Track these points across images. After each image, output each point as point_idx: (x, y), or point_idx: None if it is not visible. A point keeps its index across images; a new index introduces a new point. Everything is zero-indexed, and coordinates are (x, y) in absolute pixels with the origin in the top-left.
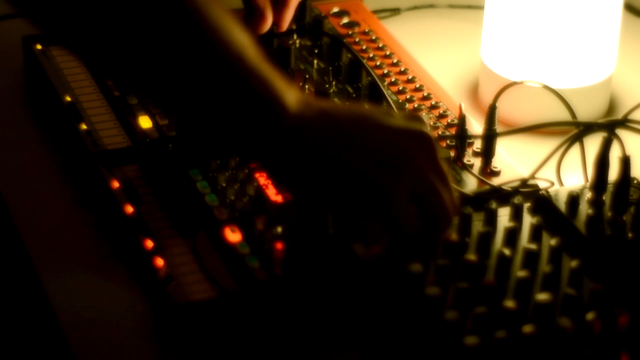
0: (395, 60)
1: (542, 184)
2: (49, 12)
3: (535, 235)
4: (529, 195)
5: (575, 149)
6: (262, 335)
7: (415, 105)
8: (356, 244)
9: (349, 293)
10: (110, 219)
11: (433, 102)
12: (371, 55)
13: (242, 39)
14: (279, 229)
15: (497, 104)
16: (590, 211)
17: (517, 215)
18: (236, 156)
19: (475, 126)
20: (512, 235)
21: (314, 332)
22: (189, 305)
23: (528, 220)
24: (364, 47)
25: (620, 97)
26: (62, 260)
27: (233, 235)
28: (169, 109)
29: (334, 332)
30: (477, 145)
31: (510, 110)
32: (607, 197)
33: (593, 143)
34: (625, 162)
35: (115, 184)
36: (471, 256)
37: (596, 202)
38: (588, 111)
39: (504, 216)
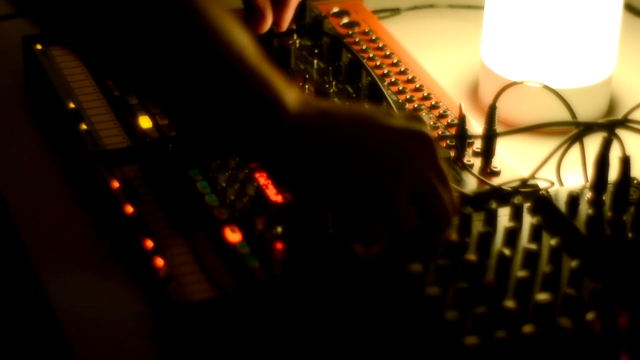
0: (395, 60)
1: (542, 184)
2: (49, 12)
3: (535, 235)
4: (529, 195)
5: (575, 149)
6: (262, 335)
7: (415, 105)
8: (356, 244)
9: (349, 293)
10: (110, 219)
11: (433, 102)
12: (371, 55)
13: (242, 39)
14: (279, 229)
15: (497, 104)
16: (590, 211)
17: (517, 215)
18: (236, 156)
19: (475, 126)
20: (512, 235)
21: (314, 332)
22: (189, 305)
23: (528, 220)
24: (364, 47)
25: (620, 97)
26: (62, 260)
27: (233, 235)
28: (169, 108)
29: (334, 332)
30: (477, 145)
31: (510, 110)
32: (607, 197)
33: (593, 143)
34: (625, 162)
35: (115, 184)
36: (471, 256)
37: (596, 202)
38: (588, 111)
39: (504, 216)
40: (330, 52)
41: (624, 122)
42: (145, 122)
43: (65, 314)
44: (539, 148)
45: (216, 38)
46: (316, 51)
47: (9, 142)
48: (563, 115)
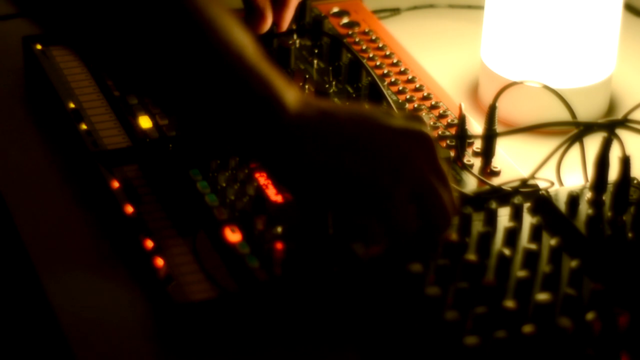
0: (395, 60)
1: (542, 184)
2: (49, 12)
3: (535, 235)
4: (529, 195)
5: (575, 149)
6: (262, 335)
7: (415, 105)
8: (356, 244)
9: (349, 293)
10: (110, 219)
11: (433, 102)
12: (371, 55)
13: (242, 39)
14: (279, 229)
15: (497, 104)
16: (590, 211)
17: (517, 215)
18: (236, 156)
19: (475, 126)
20: (512, 235)
21: (314, 332)
22: (189, 305)
23: (528, 220)
24: (364, 47)
25: (620, 97)
26: (62, 260)
27: (233, 235)
28: (169, 108)
29: (334, 332)
30: (477, 145)
31: (510, 110)
32: (607, 197)
33: (593, 143)
34: (625, 162)
35: (115, 184)
36: (471, 256)
37: (596, 202)
38: (588, 111)
39: (504, 216)
40: (330, 52)
41: (624, 122)
42: (145, 122)
43: (65, 314)
44: (539, 148)
45: (216, 38)
46: (316, 51)
47: (9, 142)
48: (563, 115)
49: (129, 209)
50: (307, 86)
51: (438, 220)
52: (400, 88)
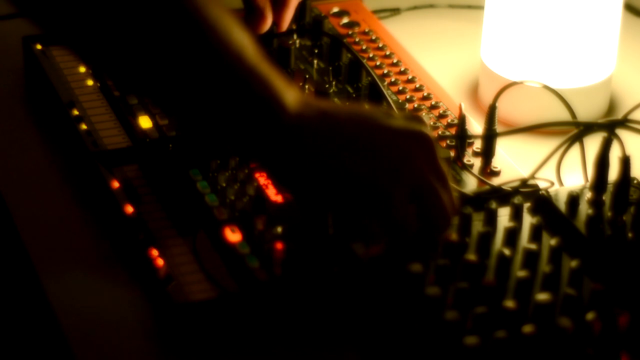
0: (395, 60)
1: (542, 184)
2: (48, 12)
3: (535, 235)
4: (529, 195)
5: (575, 149)
6: (262, 335)
7: (415, 105)
8: (356, 244)
9: (349, 293)
10: (110, 219)
11: (433, 102)
12: (371, 55)
13: (242, 39)
14: (279, 229)
15: (497, 104)
16: (590, 211)
17: (517, 215)
18: (236, 156)
19: (475, 126)
20: (512, 235)
21: (314, 332)
22: (189, 305)
23: (528, 220)
24: (364, 47)
25: (620, 97)
26: (62, 260)
27: (233, 235)
28: (169, 108)
29: (334, 332)
30: (477, 145)
31: (510, 110)
32: (607, 197)
33: (593, 143)
34: (625, 162)
35: (115, 184)
36: (471, 256)
37: (596, 202)
38: (588, 111)
39: (504, 216)
40: (330, 52)
41: (624, 122)
42: (145, 122)
43: (65, 314)
44: (539, 148)
45: (216, 38)
46: (316, 51)
47: (9, 142)
48: (563, 115)
49: (129, 209)
50: (307, 86)
51: (438, 220)
52: (400, 88)
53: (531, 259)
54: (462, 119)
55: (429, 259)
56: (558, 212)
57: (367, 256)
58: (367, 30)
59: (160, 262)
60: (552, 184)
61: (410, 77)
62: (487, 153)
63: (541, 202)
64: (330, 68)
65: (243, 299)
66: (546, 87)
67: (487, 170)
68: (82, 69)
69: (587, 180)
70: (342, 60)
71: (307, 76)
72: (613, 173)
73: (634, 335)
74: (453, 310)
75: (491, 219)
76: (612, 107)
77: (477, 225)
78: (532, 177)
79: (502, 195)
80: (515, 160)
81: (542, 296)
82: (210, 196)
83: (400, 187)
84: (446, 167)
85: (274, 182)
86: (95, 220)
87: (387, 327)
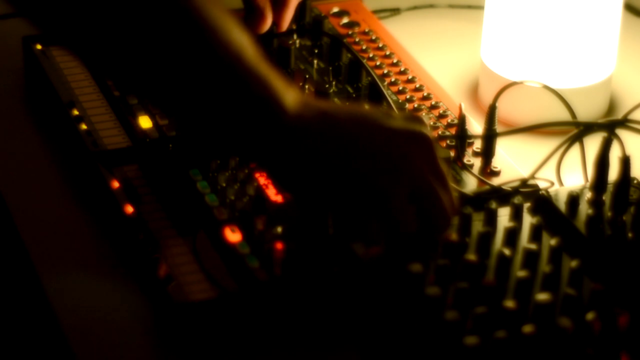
0: (395, 60)
1: (542, 184)
2: (47, 12)
3: (535, 235)
4: (529, 195)
5: (575, 149)
6: (262, 335)
7: (415, 105)
8: (356, 244)
9: (349, 293)
10: (110, 219)
11: (433, 102)
12: (371, 55)
13: (241, 39)
14: (279, 229)
15: (497, 104)
16: (590, 211)
17: (517, 215)
18: (236, 156)
19: (475, 126)
20: (512, 235)
21: (314, 332)
22: (189, 305)
23: (528, 220)
24: (364, 47)
25: (620, 97)
26: (62, 260)
27: (233, 235)
28: (168, 109)
29: (334, 332)
30: (477, 145)
31: (510, 110)
32: (607, 197)
33: (593, 143)
34: (625, 162)
35: (115, 184)
36: (471, 256)
37: (596, 202)
38: (588, 111)
39: (504, 216)
40: (330, 52)
41: (624, 122)
42: (145, 122)
43: (65, 314)
44: (539, 148)
45: (215, 38)
46: (316, 51)
47: (9, 142)
48: (563, 115)
49: (129, 209)
50: (307, 86)
51: (437, 220)
52: (400, 88)
53: (531, 259)
54: (462, 119)
55: (429, 259)
56: (558, 212)
57: (367, 256)
58: (367, 30)
59: (160, 262)
60: (552, 184)
61: (410, 77)
62: (487, 153)
63: (541, 202)
64: (330, 68)
65: (243, 299)
66: (546, 87)
67: (487, 170)
68: (82, 69)
69: (587, 180)
70: (342, 60)
71: (307, 76)
72: (613, 173)
73: (634, 335)
74: (453, 310)
75: (491, 219)
76: (612, 107)
77: (477, 225)
78: (532, 177)
79: (502, 195)
80: (515, 160)
81: (542, 296)
82: (210, 196)
83: (399, 188)
84: (446, 167)
85: (274, 182)
86: (95, 220)
87: (387, 327)
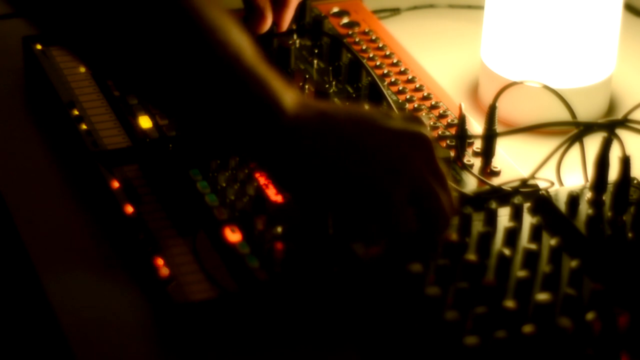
0: (395, 60)
1: (542, 184)
2: (47, 13)
3: (535, 235)
4: (529, 195)
5: (575, 149)
6: (262, 335)
7: (415, 105)
8: (356, 244)
9: (349, 293)
10: (110, 219)
11: (433, 102)
12: (371, 55)
13: (240, 40)
14: (279, 229)
15: (497, 104)
16: (590, 211)
17: (517, 215)
18: (236, 156)
19: (475, 126)
20: (512, 235)
21: (314, 332)
22: (189, 305)
23: (528, 220)
24: (364, 47)
25: (620, 97)
26: (62, 260)
27: (233, 235)
28: (167, 109)
29: (334, 332)
30: (477, 145)
31: (510, 110)
32: (607, 197)
33: (593, 143)
34: (625, 162)
35: (115, 184)
36: (471, 256)
37: (596, 202)
38: (588, 111)
39: (504, 216)
40: (330, 52)
41: (624, 122)
42: (145, 122)
43: (65, 314)
44: (539, 148)
45: (214, 39)
46: (316, 51)
47: (9, 142)
48: (563, 115)
49: (129, 209)
50: (307, 86)
51: (437, 220)
52: (400, 88)
53: (531, 259)
54: (462, 119)
55: (429, 259)
56: (558, 212)
57: (367, 256)
58: (367, 30)
59: (160, 262)
60: (552, 184)
61: (410, 77)
62: (487, 153)
63: (541, 202)
64: (330, 68)
65: (243, 299)
66: (546, 87)
67: (487, 170)
68: (82, 69)
69: (587, 180)
70: (342, 60)
71: (307, 76)
72: (613, 173)
73: (634, 335)
74: (453, 310)
75: (491, 219)
76: (612, 107)
77: (477, 225)
78: (532, 177)
79: (502, 195)
80: (515, 160)
81: (542, 296)
82: (210, 196)
83: (399, 188)
84: (445, 167)
85: (274, 182)
86: (95, 220)
87: (387, 327)
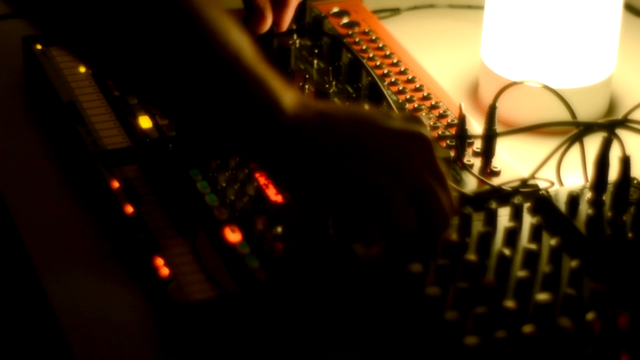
0: (395, 60)
1: (542, 184)
2: (46, 13)
3: (535, 235)
4: (529, 195)
5: (575, 149)
6: (262, 335)
7: (415, 105)
8: (356, 244)
9: (349, 293)
10: (110, 219)
11: (433, 102)
12: (371, 55)
13: (240, 40)
14: (279, 229)
15: (497, 104)
16: (590, 211)
17: (517, 215)
18: (236, 156)
19: (475, 126)
20: (512, 235)
21: (314, 332)
22: (189, 305)
23: (528, 220)
24: (364, 47)
25: (620, 97)
26: (62, 260)
27: (233, 235)
28: (167, 110)
29: (334, 332)
30: (477, 145)
31: (510, 110)
32: (607, 197)
33: (593, 143)
34: (625, 162)
35: (115, 184)
36: (471, 256)
37: (596, 202)
38: (588, 111)
39: (504, 216)
40: (330, 52)
41: (624, 122)
42: (145, 122)
43: (65, 314)
44: (539, 148)
45: (213, 39)
46: (316, 51)
47: (9, 142)
48: (563, 115)
49: (129, 209)
50: (307, 86)
51: (437, 221)
52: (400, 88)
53: (531, 259)
54: (462, 119)
55: (429, 259)
56: (558, 212)
57: (367, 256)
58: (367, 30)
59: (160, 262)
60: (552, 184)
61: (410, 77)
62: (487, 153)
63: (541, 202)
64: (330, 68)
65: (243, 299)
66: (546, 87)
67: (487, 170)
68: (82, 69)
69: (587, 180)
70: (342, 60)
71: (307, 76)
72: (613, 173)
73: (634, 335)
74: (453, 310)
75: (491, 219)
76: (612, 107)
77: (477, 225)
78: (532, 177)
79: (502, 195)
80: (515, 160)
81: (542, 296)
82: (210, 196)
83: (399, 188)
84: (445, 167)
85: (274, 182)
86: (95, 220)
87: (387, 327)
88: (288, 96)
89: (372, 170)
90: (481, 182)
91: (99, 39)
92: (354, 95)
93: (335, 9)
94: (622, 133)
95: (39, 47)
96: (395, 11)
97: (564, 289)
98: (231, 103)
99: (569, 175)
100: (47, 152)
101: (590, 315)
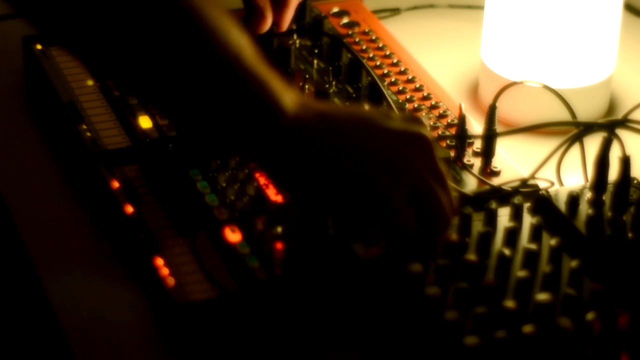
0: (395, 60)
1: (542, 184)
2: (46, 13)
3: (535, 235)
4: (529, 195)
5: (575, 149)
6: (262, 335)
7: (415, 105)
8: (356, 244)
9: (349, 293)
10: (110, 219)
11: (433, 102)
12: (371, 55)
13: (240, 40)
14: (279, 229)
15: (497, 104)
16: (590, 211)
17: (517, 215)
18: (236, 156)
19: (475, 126)
20: (512, 235)
21: (314, 332)
22: (189, 305)
23: (528, 220)
24: (364, 47)
25: (620, 97)
26: (62, 260)
27: (233, 235)
28: (167, 110)
29: (334, 332)
30: (477, 145)
31: (510, 110)
32: (607, 197)
33: (593, 143)
34: (625, 162)
35: (115, 184)
36: (471, 256)
37: (596, 202)
38: (588, 111)
39: (504, 216)
40: (330, 52)
41: (624, 122)
42: (145, 122)
43: (65, 314)
44: (539, 148)
45: (213, 39)
46: (316, 51)
47: (9, 142)
48: (563, 115)
49: (129, 209)
50: (307, 86)
51: (437, 221)
52: (400, 88)
53: (531, 259)
54: (462, 119)
55: (429, 259)
56: (558, 212)
57: (367, 256)
58: (367, 30)
59: (160, 262)
60: (552, 184)
61: (410, 77)
62: (487, 153)
63: (541, 202)
64: (330, 68)
65: (243, 299)
66: (546, 87)
67: (487, 170)
68: (82, 69)
69: (587, 180)
70: (342, 60)
71: (307, 76)
72: (613, 173)
73: (634, 335)
74: (453, 310)
75: (491, 219)
76: (612, 107)
77: (477, 225)
78: (532, 177)
79: (502, 195)
80: (515, 160)
81: (542, 296)
82: (210, 196)
83: (399, 189)
84: (445, 167)
85: (274, 182)
86: (95, 220)
87: (387, 327)
88: (288, 96)
89: (372, 170)
90: (481, 182)
91: (99, 39)
92: (354, 95)
93: (335, 9)
94: (622, 133)
95: (39, 47)
96: (395, 11)
97: (564, 289)
98: (231, 103)
99: (569, 175)
100: (47, 152)
101: (590, 315)
